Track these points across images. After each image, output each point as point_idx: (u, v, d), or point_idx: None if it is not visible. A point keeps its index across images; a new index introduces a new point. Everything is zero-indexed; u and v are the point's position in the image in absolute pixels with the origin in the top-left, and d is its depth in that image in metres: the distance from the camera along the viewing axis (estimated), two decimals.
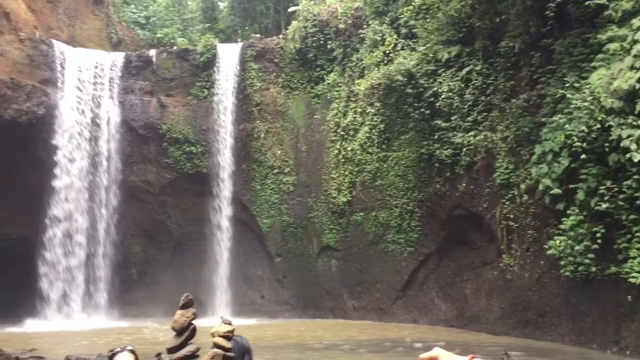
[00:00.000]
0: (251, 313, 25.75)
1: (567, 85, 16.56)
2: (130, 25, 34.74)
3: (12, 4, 26.12)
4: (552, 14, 17.09)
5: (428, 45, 22.08)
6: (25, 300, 24.41)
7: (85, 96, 26.88)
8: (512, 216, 18.81)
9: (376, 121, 24.45)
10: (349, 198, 25.23)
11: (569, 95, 16.19)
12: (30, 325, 23.56)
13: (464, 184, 20.78)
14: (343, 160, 25.65)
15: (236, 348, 6.74)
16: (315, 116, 27.31)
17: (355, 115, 25.54)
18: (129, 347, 4.53)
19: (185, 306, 6.95)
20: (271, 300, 27.38)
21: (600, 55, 16.01)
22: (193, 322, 6.76)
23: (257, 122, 27.65)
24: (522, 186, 18.23)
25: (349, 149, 25.44)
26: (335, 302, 25.82)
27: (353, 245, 25.22)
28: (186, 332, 6.91)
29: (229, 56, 28.32)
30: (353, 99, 25.82)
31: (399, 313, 23.70)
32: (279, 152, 27.50)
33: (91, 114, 26.89)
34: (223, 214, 27.35)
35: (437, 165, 21.64)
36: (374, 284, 24.47)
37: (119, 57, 28.54)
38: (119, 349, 4.49)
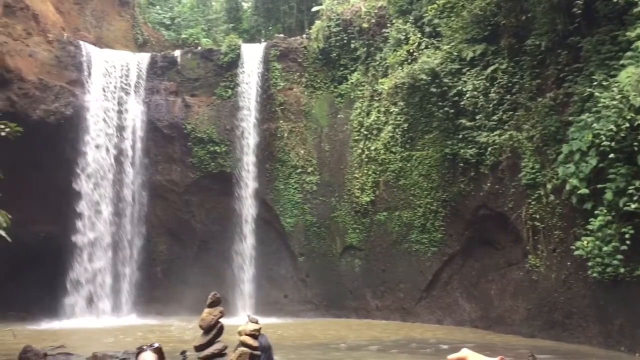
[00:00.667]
0: (274, 312, 25.83)
1: (595, 83, 16.31)
2: (155, 26, 35.11)
3: (40, 6, 26.58)
4: (579, 11, 16.84)
5: (452, 43, 21.92)
6: (53, 297, 24.84)
7: (112, 96, 27.24)
8: (538, 216, 18.58)
9: (400, 120, 24.35)
10: (372, 198, 25.18)
11: (597, 94, 15.94)
12: (58, 323, 23.99)
13: (488, 184, 20.59)
14: (366, 159, 25.59)
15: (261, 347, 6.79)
16: (339, 116, 27.29)
17: (379, 115, 25.47)
18: (156, 345, 4.57)
19: (212, 304, 7.01)
20: (294, 299, 27.44)
21: (629, 53, 15.74)
22: (220, 320, 6.82)
23: (281, 121, 27.74)
24: (549, 186, 18.01)
25: (372, 148, 25.38)
26: (359, 301, 25.78)
27: (376, 245, 25.15)
28: (213, 330, 6.97)
29: (252, 56, 28.46)
30: (376, 98, 25.75)
31: (423, 313, 23.58)
32: (302, 151, 27.54)
33: (117, 114, 27.25)
34: (247, 213, 27.51)
35: (461, 164, 21.48)
36: (397, 284, 24.37)
37: (144, 57, 28.87)
38: (145, 347, 4.54)
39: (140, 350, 4.57)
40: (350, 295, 26.03)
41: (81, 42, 27.23)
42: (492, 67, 20.70)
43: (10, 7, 24.90)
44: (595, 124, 15.64)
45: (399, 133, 24.34)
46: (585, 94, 16.57)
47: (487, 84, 20.72)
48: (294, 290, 27.57)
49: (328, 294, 26.56)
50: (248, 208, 27.53)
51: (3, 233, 10.25)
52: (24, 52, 24.87)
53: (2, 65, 23.85)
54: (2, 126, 13.19)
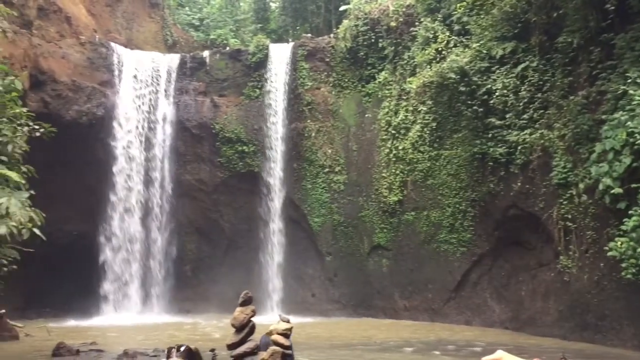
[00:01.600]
0: (302, 311, 25.89)
1: (629, 81, 15.97)
2: (184, 27, 35.49)
3: (73, 9, 27.10)
4: (612, 8, 16.51)
5: (482, 41, 21.70)
6: (86, 295, 25.27)
7: (142, 97, 27.62)
8: (570, 216, 18.27)
9: (428, 119, 24.18)
10: (400, 197, 25.05)
11: (631, 92, 15.60)
12: (90, 320, 24.42)
13: (519, 183, 20.32)
14: (394, 159, 25.48)
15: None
16: (366, 115, 27.22)
17: (407, 114, 25.33)
18: (183, 347, 4.62)
19: (244, 303, 7.06)
20: (322, 298, 27.46)
21: None
22: (252, 319, 6.87)
23: (308, 121, 27.78)
24: (581, 185, 17.69)
25: (400, 147, 25.26)
26: (386, 301, 25.68)
27: (404, 244, 25.03)
28: (246, 328, 7.02)
29: (280, 56, 28.56)
30: (404, 98, 25.61)
31: (452, 314, 23.38)
32: (329, 151, 27.55)
33: (147, 115, 27.62)
34: (274, 212, 27.64)
35: (490, 164, 21.24)
36: (425, 284, 24.22)
37: (174, 58, 29.20)
38: (173, 350, 4.59)
39: (169, 354, 4.63)
40: (378, 295, 25.95)
41: (112, 44, 27.67)
42: (522, 65, 20.43)
43: (44, 10, 25.43)
44: (629, 122, 15.31)
45: (427, 132, 24.17)
46: (619, 92, 16.24)
47: (518, 82, 20.45)
48: (322, 290, 27.59)
49: (355, 293, 26.52)
50: (276, 207, 27.66)
51: (38, 231, 10.46)
52: (57, 54, 25.38)
53: (36, 67, 24.36)
54: (37, 127, 13.48)
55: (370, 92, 27.28)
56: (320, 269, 27.70)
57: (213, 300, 27.11)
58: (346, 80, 27.94)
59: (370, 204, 26.28)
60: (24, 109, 13.68)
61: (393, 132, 25.75)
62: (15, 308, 22.29)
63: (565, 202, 18.47)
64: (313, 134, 27.69)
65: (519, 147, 20.08)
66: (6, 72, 13.40)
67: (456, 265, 23.15)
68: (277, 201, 27.71)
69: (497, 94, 20.73)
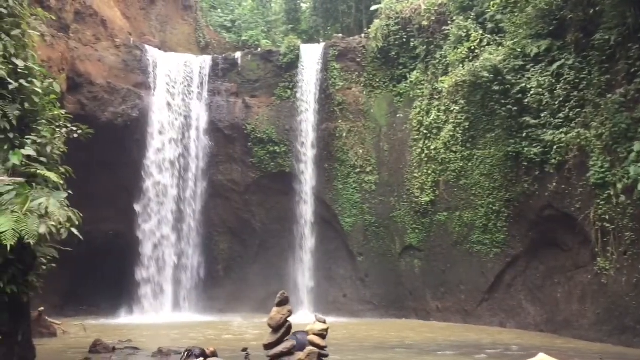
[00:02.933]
0: (333, 311, 25.90)
1: None
2: (217, 29, 35.83)
3: (108, 12, 27.61)
4: None
5: (516, 39, 21.39)
6: (121, 294, 25.75)
7: (175, 98, 28.01)
8: (607, 217, 17.87)
9: (460, 119, 23.94)
10: (432, 197, 24.86)
11: None
12: (125, 317, 24.87)
13: (554, 184, 19.97)
14: (426, 159, 25.30)
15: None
16: (398, 115, 27.09)
17: (439, 114, 25.12)
18: (197, 351, 4.63)
19: (281, 303, 7.10)
20: (353, 299, 27.42)
21: None
22: (288, 319, 6.91)
23: (339, 121, 27.77)
24: (619, 186, 17.29)
25: (432, 147, 25.06)
26: (418, 302, 25.50)
27: (436, 245, 24.82)
28: (282, 328, 7.06)
29: (311, 56, 28.63)
30: (436, 97, 25.41)
31: (485, 316, 23.09)
32: (361, 151, 27.50)
33: (180, 116, 27.98)
34: (306, 213, 27.71)
35: (525, 163, 20.92)
36: (458, 285, 23.97)
37: (206, 60, 29.52)
38: (192, 353, 4.59)
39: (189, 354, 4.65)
40: (410, 296, 25.79)
41: (146, 46, 28.12)
42: (558, 63, 20.07)
43: (80, 13, 25.97)
44: None
45: (460, 132, 23.92)
46: None
47: (553, 81, 20.11)
48: (353, 290, 27.55)
49: (387, 294, 26.40)
50: (307, 208, 27.74)
51: (76, 231, 10.68)
52: (94, 56, 25.90)
53: (73, 69, 24.90)
54: (75, 128, 13.76)
55: (401, 91, 27.13)
56: (352, 270, 27.66)
57: (244, 300, 27.33)
58: (377, 80, 27.85)
59: (402, 204, 26.13)
60: (62, 111, 13.98)
61: (425, 132, 25.56)
62: (53, 306, 22.82)
63: (602, 203, 18.08)
64: (344, 134, 27.67)
65: (555, 147, 19.73)
66: (45, 75, 13.71)
67: (489, 267, 22.86)
68: (308, 201, 27.78)
69: (531, 92, 20.41)
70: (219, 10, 37.42)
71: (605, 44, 18.32)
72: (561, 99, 19.84)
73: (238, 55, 29.84)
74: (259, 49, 31.19)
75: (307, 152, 27.91)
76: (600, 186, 18.15)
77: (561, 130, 19.68)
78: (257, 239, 29.11)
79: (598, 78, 18.71)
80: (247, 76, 29.24)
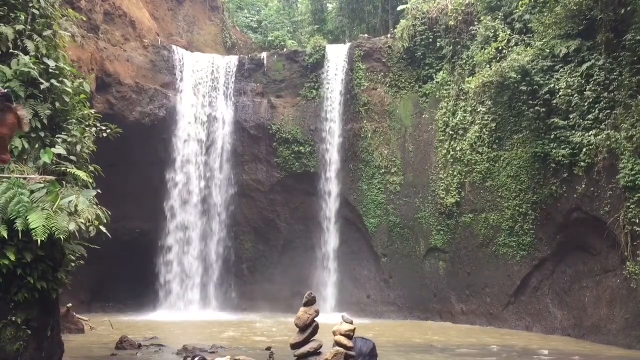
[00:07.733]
0: (357, 312, 25.84)
1: None
2: (243, 30, 36.05)
3: (136, 13, 27.96)
4: None
5: (544, 40, 21.13)
6: (147, 291, 26.07)
7: (202, 98, 28.24)
8: (637, 220, 17.54)
9: (487, 120, 23.70)
10: (458, 199, 24.66)
11: None
12: (151, 314, 25.15)
13: (583, 186, 19.66)
14: (452, 160, 25.10)
15: (356, 351, 6.77)
16: (423, 115, 26.92)
17: (465, 114, 24.91)
18: (198, 356, 4.67)
19: (308, 303, 7.12)
20: (377, 300, 27.34)
21: None
22: (315, 319, 6.92)
23: (365, 121, 27.71)
24: None
25: (457, 148, 24.86)
26: (443, 304, 25.32)
27: (461, 247, 24.62)
28: (309, 328, 7.08)
29: (337, 57, 28.60)
30: (462, 98, 25.19)
31: (511, 319, 22.83)
32: (385, 151, 27.39)
33: (207, 116, 28.21)
34: (330, 213, 27.70)
35: (552, 165, 20.63)
36: (483, 288, 23.74)
37: (232, 60, 29.69)
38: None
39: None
40: (435, 297, 25.62)
41: (174, 47, 28.40)
42: (587, 64, 19.77)
43: (109, 14, 26.35)
44: None
45: (486, 133, 23.69)
46: None
47: (582, 81, 19.81)
48: (377, 291, 27.47)
49: (411, 295, 26.27)
50: (331, 208, 27.72)
51: (103, 229, 10.85)
52: (122, 57, 26.24)
53: (102, 69, 25.26)
54: (104, 127, 13.98)
55: (427, 92, 26.96)
56: (376, 270, 27.58)
57: (268, 299, 27.45)
58: (403, 80, 27.71)
59: (427, 205, 25.97)
60: (92, 111, 14.21)
61: (451, 132, 25.37)
62: (81, 302, 23.22)
63: (632, 206, 17.75)
64: (369, 135, 27.60)
65: (584, 149, 19.43)
66: (75, 75, 13.94)
67: (515, 269, 22.60)
68: (332, 202, 27.76)
69: (560, 93, 20.14)
70: (245, 11, 37.67)
71: (637, 44, 18.00)
72: (590, 100, 19.53)
73: (264, 55, 29.97)
74: (285, 49, 31.28)
75: (332, 152, 27.90)
76: (630, 189, 17.82)
77: (590, 131, 19.38)
78: (281, 238, 29.20)
79: (629, 79, 18.38)
80: (273, 76, 29.34)
